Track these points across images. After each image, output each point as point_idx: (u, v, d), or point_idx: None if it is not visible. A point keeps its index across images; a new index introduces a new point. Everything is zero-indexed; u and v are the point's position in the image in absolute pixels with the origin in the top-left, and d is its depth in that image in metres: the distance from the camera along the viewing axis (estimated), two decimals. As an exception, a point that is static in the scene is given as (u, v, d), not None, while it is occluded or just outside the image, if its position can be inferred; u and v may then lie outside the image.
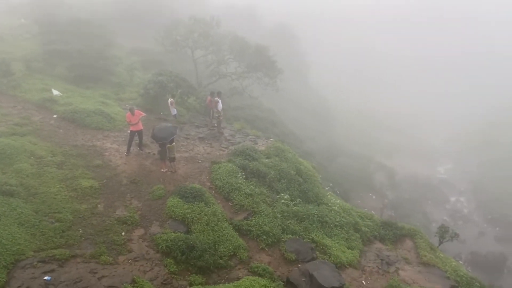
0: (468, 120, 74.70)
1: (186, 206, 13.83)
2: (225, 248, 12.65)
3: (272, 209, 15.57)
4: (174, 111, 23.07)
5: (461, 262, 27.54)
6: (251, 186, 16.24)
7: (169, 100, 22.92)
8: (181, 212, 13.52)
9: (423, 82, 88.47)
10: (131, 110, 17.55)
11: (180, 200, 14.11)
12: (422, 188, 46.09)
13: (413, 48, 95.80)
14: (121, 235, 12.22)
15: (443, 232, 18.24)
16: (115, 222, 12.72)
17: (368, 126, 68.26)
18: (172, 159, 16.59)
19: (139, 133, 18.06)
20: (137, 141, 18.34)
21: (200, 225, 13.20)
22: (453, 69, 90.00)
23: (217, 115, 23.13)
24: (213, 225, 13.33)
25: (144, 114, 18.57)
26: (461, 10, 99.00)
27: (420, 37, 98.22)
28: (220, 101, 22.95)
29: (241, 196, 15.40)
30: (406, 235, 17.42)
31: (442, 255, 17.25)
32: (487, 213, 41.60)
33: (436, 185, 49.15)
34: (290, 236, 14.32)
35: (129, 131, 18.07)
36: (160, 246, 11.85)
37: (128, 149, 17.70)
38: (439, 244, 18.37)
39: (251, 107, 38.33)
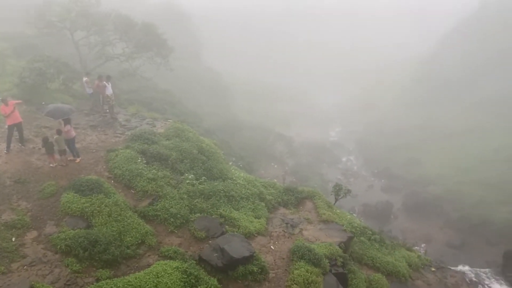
0: (351, 87, 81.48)
1: (84, 200, 12.99)
2: (131, 237, 12.26)
3: (178, 190, 15.43)
4: (89, 91, 21.59)
5: (355, 214, 30.54)
6: (153, 170, 15.84)
7: (84, 78, 21.61)
8: (79, 207, 12.67)
9: (312, 60, 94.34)
10: (4, 101, 15.68)
11: (75, 194, 13.18)
12: (317, 152, 49.60)
13: (306, 33, 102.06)
14: (11, 240, 11.08)
15: (338, 190, 20.01)
16: (2, 227, 11.45)
17: (266, 99, 70.59)
18: (62, 152, 15.31)
19: (18, 126, 16.24)
20: (18, 137, 16.49)
21: (102, 217, 12.55)
22: (338, 50, 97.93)
23: (107, 100, 21.78)
24: (116, 215, 12.77)
25: (19, 101, 16.84)
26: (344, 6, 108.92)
27: (313, 24, 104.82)
28: (109, 85, 21.60)
29: (143, 181, 14.94)
30: (307, 198, 18.74)
31: (338, 211, 19.01)
32: (373, 167, 46.53)
33: (329, 148, 53.33)
34: (199, 214, 14.41)
35: (6, 126, 16.12)
36: (59, 246, 11.03)
37: (8, 146, 15.84)
38: (335, 201, 20.16)
39: (145, 89, 36.82)
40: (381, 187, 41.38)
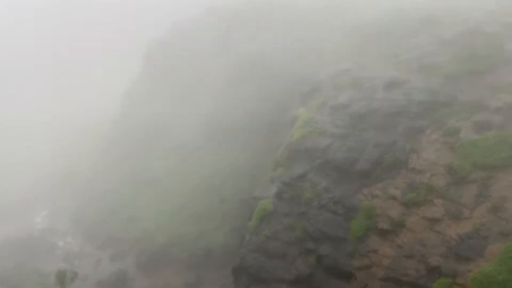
0: (50, 154, 73.14)
1: None
2: None
3: None
4: None
5: (91, 298, 27.87)
6: None
7: None
8: None
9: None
10: None
11: None
12: (26, 247, 42.48)
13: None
14: None
15: (62, 279, 17.84)
16: None
17: None
18: None
19: None
20: None
21: None
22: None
23: None
24: None
25: None
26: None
27: None
28: None
29: None
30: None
31: (72, 303, 16.75)
32: (95, 240, 43.79)
33: (40, 237, 46.62)
34: None
35: None
36: None
37: None
38: (65, 294, 17.74)
39: None
40: (109, 257, 39.51)
